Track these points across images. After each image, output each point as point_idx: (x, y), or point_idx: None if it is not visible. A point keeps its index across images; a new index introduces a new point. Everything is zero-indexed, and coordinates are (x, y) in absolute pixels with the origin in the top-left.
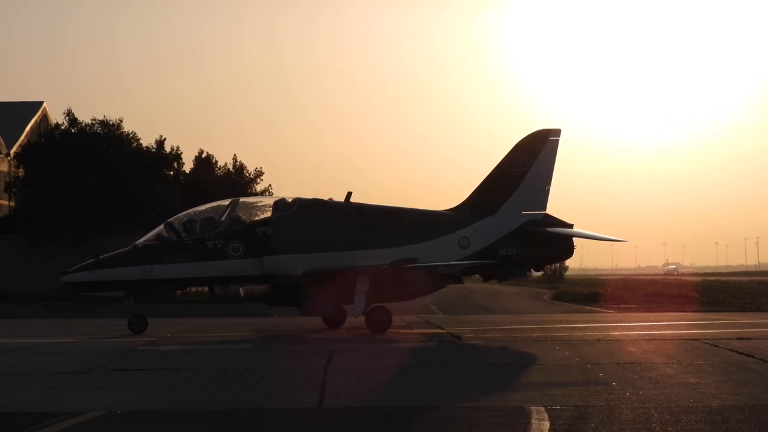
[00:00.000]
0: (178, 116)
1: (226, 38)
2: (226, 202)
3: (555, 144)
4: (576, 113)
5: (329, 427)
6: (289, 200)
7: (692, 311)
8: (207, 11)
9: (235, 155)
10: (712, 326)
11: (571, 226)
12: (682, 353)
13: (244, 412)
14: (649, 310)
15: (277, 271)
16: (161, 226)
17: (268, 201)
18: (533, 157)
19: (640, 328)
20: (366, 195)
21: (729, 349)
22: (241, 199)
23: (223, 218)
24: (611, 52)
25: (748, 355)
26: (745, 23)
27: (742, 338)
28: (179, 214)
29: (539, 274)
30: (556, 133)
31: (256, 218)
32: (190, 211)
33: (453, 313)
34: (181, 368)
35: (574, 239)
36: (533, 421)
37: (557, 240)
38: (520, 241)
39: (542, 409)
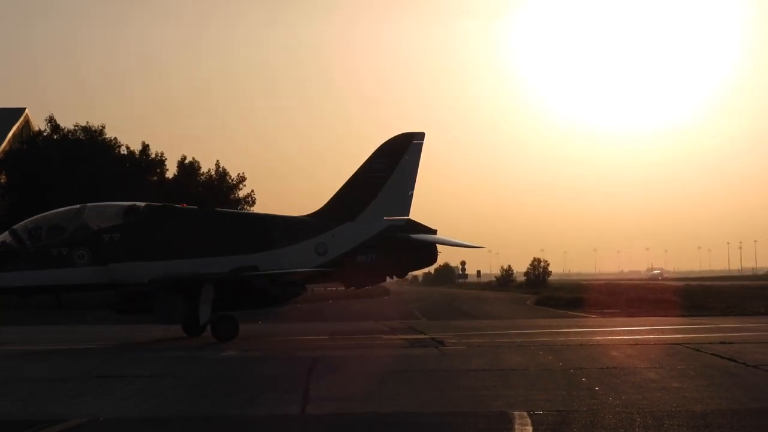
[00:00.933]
0: (161, 122)
1: (211, 44)
2: (76, 207)
3: (418, 148)
4: (565, 115)
5: None
6: (141, 206)
7: (675, 316)
8: (192, 18)
9: (217, 161)
10: (694, 330)
11: (434, 231)
12: (664, 358)
13: (228, 420)
14: (632, 314)
15: (123, 279)
16: (5, 233)
17: (119, 207)
18: (395, 161)
19: (623, 332)
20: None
21: (712, 354)
22: (90, 205)
23: (69, 225)
24: (584, 57)
25: (730, 360)
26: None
27: (724, 342)
28: (26, 221)
29: (399, 280)
30: (420, 136)
31: (105, 225)
32: (38, 217)
33: (436, 319)
34: (164, 375)
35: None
36: (516, 427)
37: (420, 246)
38: (380, 247)
39: (525, 414)
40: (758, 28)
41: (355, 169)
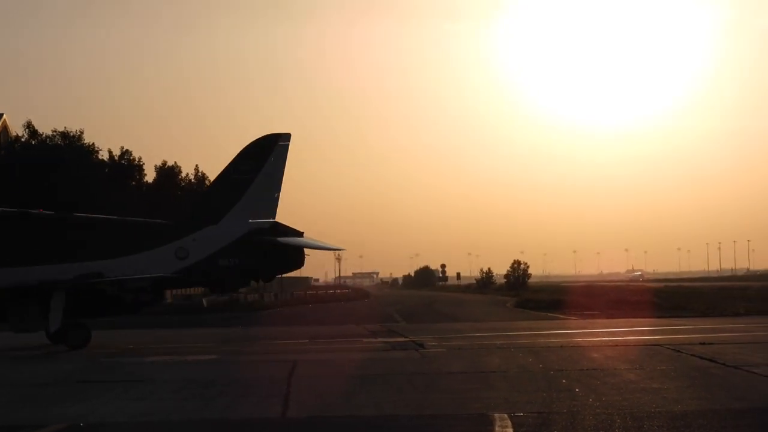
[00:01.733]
0: (141, 127)
1: (189, 49)
2: None
3: (284, 149)
4: (545, 117)
5: None
6: None
7: (655, 317)
8: (171, 23)
9: (197, 165)
10: (674, 332)
11: (301, 234)
12: (644, 359)
13: (209, 423)
14: (612, 316)
15: None
16: None
17: None
18: (261, 163)
19: (603, 334)
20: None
21: (691, 354)
22: None
23: None
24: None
25: (710, 360)
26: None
27: (704, 343)
28: None
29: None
30: (286, 137)
31: None
32: None
33: (416, 322)
34: (144, 380)
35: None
36: (496, 429)
37: (286, 249)
38: (244, 251)
39: (505, 416)
40: (735, 28)
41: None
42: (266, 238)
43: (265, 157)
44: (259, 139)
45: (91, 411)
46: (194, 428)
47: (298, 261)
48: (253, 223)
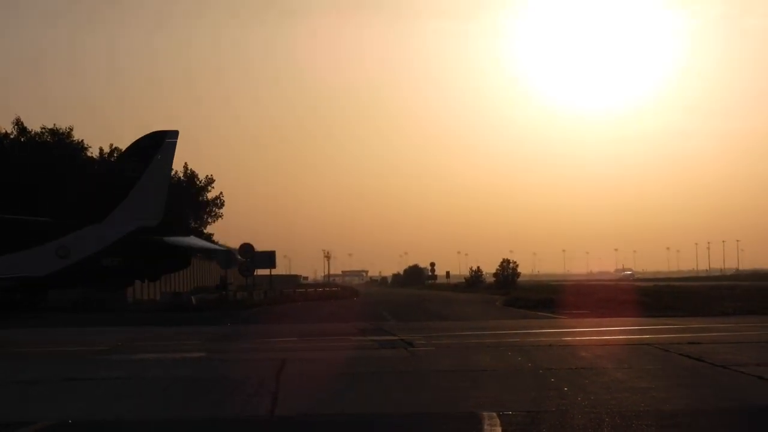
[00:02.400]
0: (129, 124)
1: (175, 45)
2: None
3: (172, 147)
4: (532, 117)
5: None
6: None
7: (644, 316)
8: (157, 20)
9: (186, 163)
10: (663, 331)
11: (189, 234)
12: (633, 358)
13: (197, 422)
14: (601, 315)
15: None
16: None
17: None
18: (147, 160)
19: (592, 333)
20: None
21: (680, 354)
22: None
23: None
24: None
25: (698, 360)
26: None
27: (693, 343)
28: None
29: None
30: (173, 134)
31: None
32: None
33: (405, 320)
34: (132, 377)
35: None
36: (485, 427)
37: (172, 249)
38: (128, 250)
39: (494, 414)
40: (723, 27)
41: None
42: (152, 238)
43: (152, 154)
44: (145, 136)
45: (79, 408)
46: (182, 426)
47: (185, 261)
48: (138, 222)
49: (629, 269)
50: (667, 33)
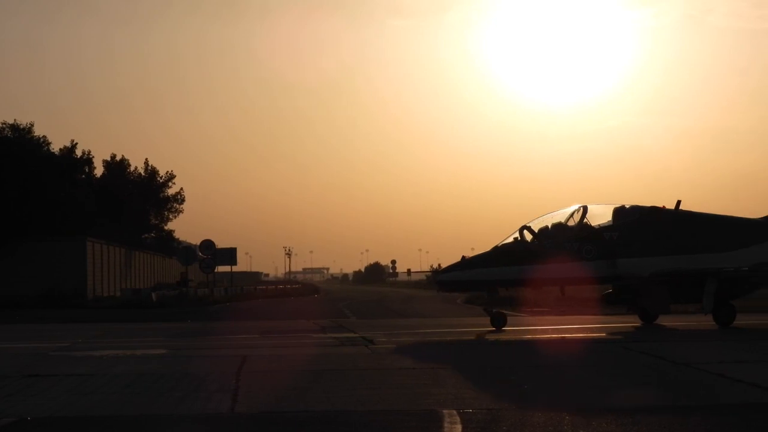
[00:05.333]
0: (89, 120)
1: (134, 43)
2: None
3: None
4: (492, 114)
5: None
6: None
7: (606, 314)
8: (117, 18)
9: (146, 159)
10: (624, 329)
11: None
12: (594, 356)
13: (159, 419)
14: (563, 313)
15: None
16: None
17: None
18: None
19: (553, 331)
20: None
21: (641, 352)
22: None
23: None
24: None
25: (660, 357)
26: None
27: (654, 341)
28: None
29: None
30: None
31: None
32: None
33: (366, 317)
34: (94, 374)
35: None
36: (446, 425)
37: None
38: None
39: (454, 412)
40: (688, 25)
41: None
42: None
43: None
44: None
45: (39, 405)
46: (144, 423)
47: None
48: None
49: None
50: (628, 31)
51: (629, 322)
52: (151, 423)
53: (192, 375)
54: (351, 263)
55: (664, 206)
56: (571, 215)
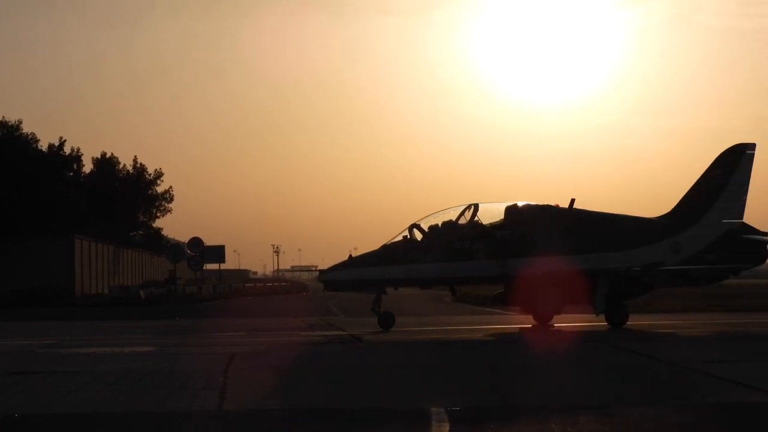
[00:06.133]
0: (78, 117)
1: (121, 40)
2: None
3: (751, 157)
4: (477, 112)
5: (229, 429)
6: None
7: (592, 312)
8: (103, 16)
9: (135, 157)
10: (613, 328)
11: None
12: (582, 354)
13: (145, 416)
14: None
15: None
16: None
17: None
18: (731, 169)
19: (541, 330)
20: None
21: (630, 351)
22: None
23: None
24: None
25: (647, 356)
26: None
27: (642, 339)
28: None
29: None
30: (752, 147)
31: None
32: None
33: (355, 315)
34: (80, 371)
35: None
36: (433, 422)
37: (752, 245)
38: (723, 247)
39: (442, 410)
40: (675, 24)
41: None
42: (738, 235)
43: (735, 164)
44: (729, 148)
45: (26, 402)
46: (131, 420)
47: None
48: (728, 223)
49: None
50: (617, 30)
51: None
52: (137, 420)
53: (179, 372)
54: (339, 261)
55: (557, 204)
56: (462, 213)
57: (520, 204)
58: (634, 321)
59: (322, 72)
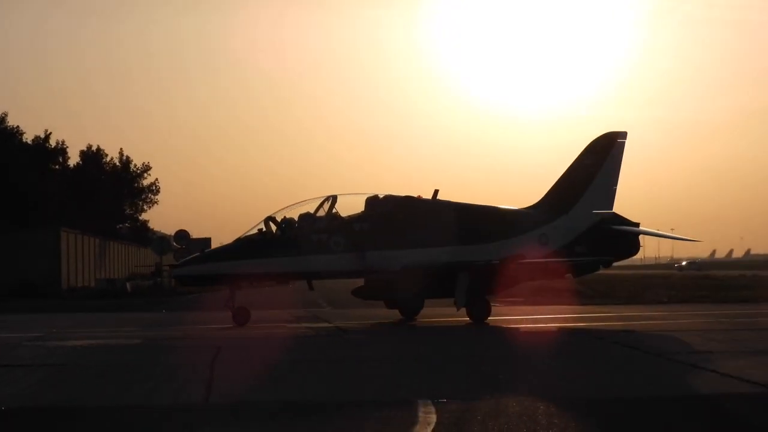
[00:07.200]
0: (64, 110)
1: (108, 32)
2: None
3: (622, 146)
4: (475, 105)
5: (216, 422)
6: None
7: (578, 304)
8: (89, 7)
9: (121, 149)
10: (597, 319)
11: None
12: (568, 346)
13: (131, 409)
14: (536, 303)
15: None
16: None
17: None
18: (603, 158)
19: (527, 321)
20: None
21: (614, 342)
22: None
23: None
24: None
25: (633, 348)
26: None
27: (627, 331)
28: None
29: None
30: (623, 135)
31: None
32: None
33: (341, 307)
34: (67, 364)
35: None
36: (420, 415)
37: (623, 236)
38: (592, 239)
39: (429, 402)
40: (660, 15)
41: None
42: (608, 227)
43: (606, 153)
44: (600, 136)
45: (12, 395)
46: (117, 413)
47: (636, 247)
48: (597, 214)
49: None
50: (602, 21)
51: (603, 312)
52: (124, 413)
53: (166, 365)
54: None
55: (420, 196)
56: (321, 205)
57: (381, 196)
58: (625, 312)
59: (311, 64)
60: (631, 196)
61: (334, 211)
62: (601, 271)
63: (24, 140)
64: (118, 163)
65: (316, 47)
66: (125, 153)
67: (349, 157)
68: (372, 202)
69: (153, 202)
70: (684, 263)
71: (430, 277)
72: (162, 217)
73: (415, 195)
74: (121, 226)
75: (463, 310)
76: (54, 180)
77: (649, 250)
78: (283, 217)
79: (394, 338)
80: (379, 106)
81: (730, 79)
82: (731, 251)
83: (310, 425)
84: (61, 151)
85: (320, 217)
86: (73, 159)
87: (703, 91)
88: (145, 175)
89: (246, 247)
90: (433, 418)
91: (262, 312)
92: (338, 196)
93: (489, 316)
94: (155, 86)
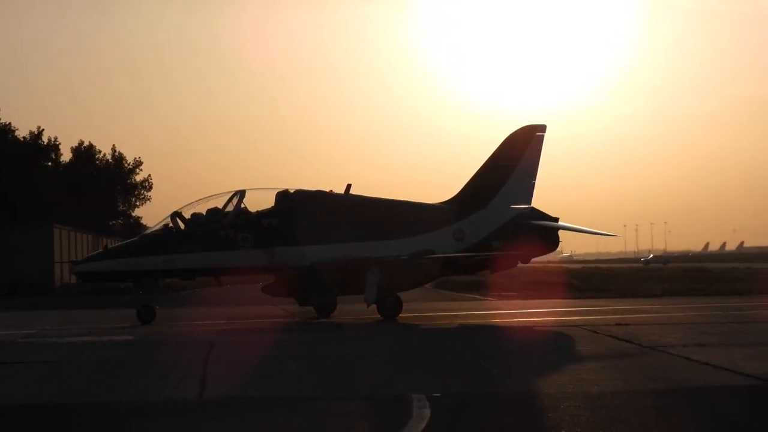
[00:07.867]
0: (56, 106)
1: (102, 27)
2: None
3: (541, 139)
4: (468, 104)
5: (210, 417)
6: None
7: (572, 298)
8: (90, 5)
9: (113, 145)
10: (591, 312)
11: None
12: (562, 340)
13: (126, 405)
14: (530, 297)
15: None
16: None
17: None
18: (521, 152)
19: (521, 315)
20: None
21: (608, 335)
22: None
23: None
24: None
25: (627, 341)
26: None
27: (621, 324)
28: None
29: None
30: (542, 128)
31: None
32: None
33: None
34: (61, 361)
35: None
36: (414, 409)
37: (543, 231)
38: (509, 233)
39: (423, 397)
40: (657, 9)
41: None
42: (526, 221)
43: (524, 146)
44: (518, 129)
45: (6, 393)
46: (112, 410)
47: (555, 242)
48: (515, 208)
49: (568, 251)
50: (597, 15)
51: (597, 305)
52: (119, 410)
53: (159, 361)
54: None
55: (331, 190)
56: (229, 200)
57: (291, 190)
58: (619, 305)
59: (303, 61)
60: (624, 192)
61: (242, 205)
62: (595, 265)
63: (16, 137)
64: (110, 159)
65: (307, 43)
66: (118, 149)
67: (349, 158)
68: (282, 196)
69: (146, 198)
70: (650, 256)
71: (340, 273)
72: (155, 213)
73: (328, 190)
74: (113, 222)
75: (374, 307)
76: (47, 177)
77: (643, 244)
78: (190, 212)
79: (389, 333)
80: (379, 106)
81: (723, 73)
82: (724, 244)
83: (304, 420)
84: (54, 147)
85: (228, 212)
86: (66, 155)
87: (696, 85)
88: (138, 170)
89: (150, 243)
90: (427, 412)
91: (256, 308)
92: (246, 191)
93: (400, 312)
94: (147, 82)
